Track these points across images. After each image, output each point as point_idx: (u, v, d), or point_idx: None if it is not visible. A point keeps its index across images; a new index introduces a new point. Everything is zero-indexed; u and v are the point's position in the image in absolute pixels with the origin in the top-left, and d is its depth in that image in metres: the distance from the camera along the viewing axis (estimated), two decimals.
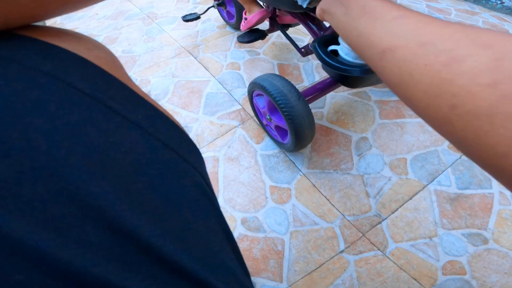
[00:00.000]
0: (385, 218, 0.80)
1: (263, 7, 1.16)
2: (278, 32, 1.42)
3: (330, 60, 0.71)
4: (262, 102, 0.91)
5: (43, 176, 0.15)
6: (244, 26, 1.24)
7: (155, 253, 0.17)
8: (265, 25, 1.24)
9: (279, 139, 0.92)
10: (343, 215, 0.81)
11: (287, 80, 0.80)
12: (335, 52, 0.74)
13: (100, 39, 1.54)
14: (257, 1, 1.13)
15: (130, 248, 0.16)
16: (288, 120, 0.77)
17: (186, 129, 1.00)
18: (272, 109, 0.87)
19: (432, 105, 0.22)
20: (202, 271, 0.19)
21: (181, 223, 0.19)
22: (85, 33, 1.13)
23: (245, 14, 1.24)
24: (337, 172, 0.89)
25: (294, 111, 0.75)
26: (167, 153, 0.21)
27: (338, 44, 0.72)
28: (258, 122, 1.03)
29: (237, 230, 0.80)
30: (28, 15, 0.18)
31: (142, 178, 0.18)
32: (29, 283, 0.13)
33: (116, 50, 1.46)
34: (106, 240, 0.16)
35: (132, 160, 0.18)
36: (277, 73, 1.23)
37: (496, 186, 0.85)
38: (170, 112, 1.06)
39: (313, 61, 1.27)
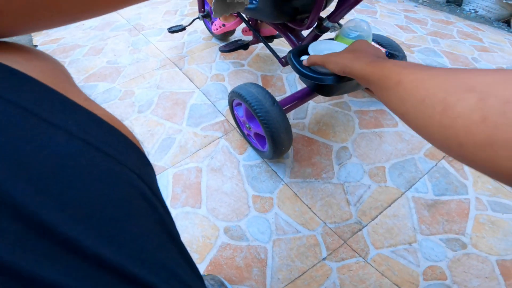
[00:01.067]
0: (366, 225, 0.83)
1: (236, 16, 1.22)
2: (262, 44, 1.46)
3: (304, 70, 0.74)
4: (241, 111, 0.94)
5: None
6: (218, 31, 1.30)
7: (74, 246, 0.17)
8: (249, 36, 1.28)
9: (260, 147, 0.95)
10: (325, 223, 0.84)
11: (262, 87, 0.84)
12: None
13: (85, 50, 1.56)
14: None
15: (47, 241, 0.17)
16: (264, 125, 0.80)
17: (170, 141, 1.04)
18: (250, 117, 0.91)
19: (446, 146, 0.29)
20: (130, 266, 0.19)
21: (108, 221, 0.20)
22: (71, 44, 1.16)
23: (214, 24, 1.29)
24: (319, 181, 0.92)
25: (269, 116, 0.78)
26: (97, 155, 0.21)
27: (308, 54, 0.76)
28: (240, 133, 1.06)
29: (220, 239, 0.81)
30: None
31: (64, 179, 0.19)
32: None
33: (101, 61, 1.48)
34: (23, 234, 0.16)
35: (55, 163, 0.19)
36: (260, 84, 1.27)
37: (472, 192, 0.89)
38: (154, 124, 1.08)
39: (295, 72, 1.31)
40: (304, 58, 0.78)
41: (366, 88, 0.53)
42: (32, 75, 0.21)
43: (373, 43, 0.84)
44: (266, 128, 0.80)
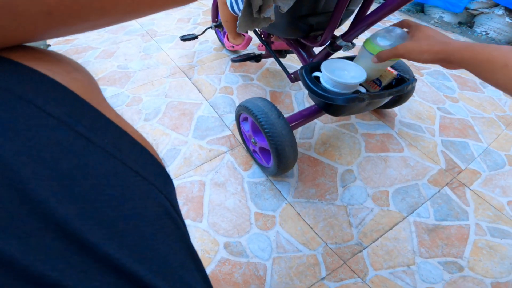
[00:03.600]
0: (366, 247, 0.87)
1: (245, 36, 1.26)
2: (272, 59, 1.51)
3: (315, 87, 0.77)
4: (247, 126, 0.98)
5: (9, 190, 0.17)
6: (231, 49, 1.36)
7: (111, 264, 0.19)
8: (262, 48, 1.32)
9: (264, 163, 0.98)
10: (326, 243, 0.87)
11: (268, 101, 0.87)
12: (319, 79, 0.81)
13: (97, 52, 1.61)
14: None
15: (87, 258, 0.18)
16: (269, 138, 0.82)
17: (174, 152, 1.09)
18: (256, 131, 0.94)
19: None
20: (160, 284, 0.21)
21: (139, 239, 0.22)
22: (84, 45, 1.22)
23: (227, 38, 1.34)
24: (322, 202, 0.96)
25: (274, 129, 0.81)
26: (131, 175, 0.23)
27: (320, 71, 0.78)
28: (246, 149, 1.09)
29: (219, 254, 0.84)
30: (12, 40, 0.21)
31: (102, 198, 0.20)
32: None
33: (112, 64, 1.52)
34: (64, 250, 0.18)
35: (94, 182, 0.20)
36: (269, 99, 1.30)
37: (473, 218, 0.93)
38: (160, 133, 1.13)
39: (304, 90, 1.35)
40: (316, 74, 0.81)
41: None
42: (73, 89, 0.23)
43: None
44: (271, 141, 0.82)
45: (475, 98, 1.38)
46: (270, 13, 0.53)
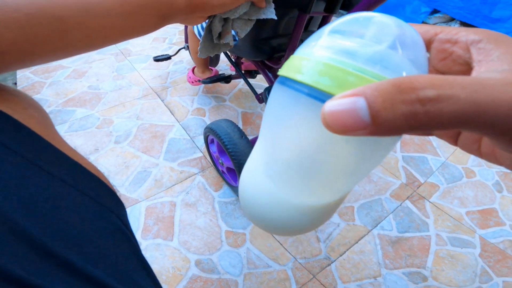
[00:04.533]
0: (334, 261, 0.91)
1: (213, 70, 1.30)
2: None
3: None
4: (214, 147, 1.01)
5: None
6: (195, 84, 1.39)
7: (72, 267, 0.22)
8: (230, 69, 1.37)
9: (232, 182, 1.02)
10: (295, 258, 0.91)
11: (232, 122, 0.92)
12: None
13: (68, 72, 1.57)
14: (208, 66, 1.29)
15: (50, 262, 0.21)
16: (232, 158, 0.86)
17: (145, 174, 1.11)
18: (222, 151, 0.98)
19: None
20: (114, 283, 0.24)
21: (95, 249, 0.25)
22: (54, 64, 1.24)
23: (193, 72, 1.37)
24: None
25: (237, 148, 0.85)
26: (85, 199, 0.27)
27: None
28: (216, 170, 1.12)
29: (191, 271, 0.86)
30: None
31: (61, 217, 0.24)
32: None
33: (83, 85, 1.49)
34: (33, 257, 0.21)
35: (54, 204, 0.24)
36: (240, 121, 1.35)
37: (433, 229, 1.00)
38: (131, 155, 1.14)
39: None
40: None
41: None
42: (30, 127, 0.26)
43: None
44: (234, 160, 0.86)
45: None
46: (228, 39, 0.57)
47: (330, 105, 0.14)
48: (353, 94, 0.13)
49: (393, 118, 0.12)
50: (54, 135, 0.29)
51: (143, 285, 0.28)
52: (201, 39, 0.59)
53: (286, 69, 0.19)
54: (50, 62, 0.29)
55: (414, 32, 0.18)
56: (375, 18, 0.18)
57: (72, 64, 1.64)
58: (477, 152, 0.22)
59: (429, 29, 0.20)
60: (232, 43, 0.58)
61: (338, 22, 0.19)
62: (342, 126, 0.13)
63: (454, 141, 0.23)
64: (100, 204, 0.29)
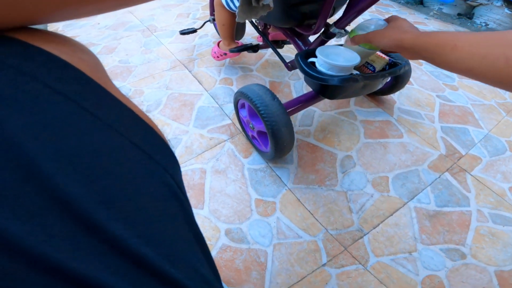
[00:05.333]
0: (367, 233, 0.84)
1: (239, 44, 1.24)
2: (272, 50, 1.49)
3: (311, 70, 0.77)
4: (244, 112, 0.97)
5: (13, 167, 0.16)
6: (220, 58, 1.33)
7: (119, 246, 0.18)
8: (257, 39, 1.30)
9: (263, 148, 0.97)
10: (326, 229, 0.85)
11: (263, 86, 0.88)
12: (314, 65, 0.80)
13: (98, 48, 1.60)
14: (234, 38, 1.23)
15: (94, 239, 0.17)
16: (264, 119, 0.82)
17: (175, 141, 1.07)
18: (253, 115, 0.93)
19: (491, 65, 0.39)
20: (168, 267, 0.20)
21: (146, 220, 0.21)
22: (85, 42, 1.20)
23: (218, 46, 1.31)
24: (322, 188, 0.94)
25: (269, 110, 0.81)
26: (137, 154, 0.22)
27: (316, 57, 0.78)
28: (245, 136, 1.08)
29: (221, 241, 0.83)
30: (23, 19, 0.20)
31: (109, 176, 0.19)
32: None
33: (113, 60, 1.51)
34: (70, 230, 0.17)
35: (101, 158, 0.19)
36: None
37: (474, 204, 0.90)
38: (161, 123, 1.11)
39: (303, 79, 1.34)
40: (311, 60, 0.80)
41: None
42: (80, 68, 0.22)
43: (378, 52, 0.86)
44: (267, 122, 0.82)
45: (474, 86, 1.35)
46: (268, 0, 0.51)
47: (348, 41, 0.76)
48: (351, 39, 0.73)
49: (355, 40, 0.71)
50: (105, 80, 0.25)
51: (198, 267, 0.24)
52: (239, 3, 0.54)
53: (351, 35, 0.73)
54: (98, 13, 0.25)
55: (384, 22, 0.68)
56: (373, 20, 0.70)
57: (102, 41, 1.67)
58: None
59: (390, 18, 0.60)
60: (272, 4, 0.52)
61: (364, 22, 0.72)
62: (349, 43, 0.75)
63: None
64: (154, 160, 0.23)
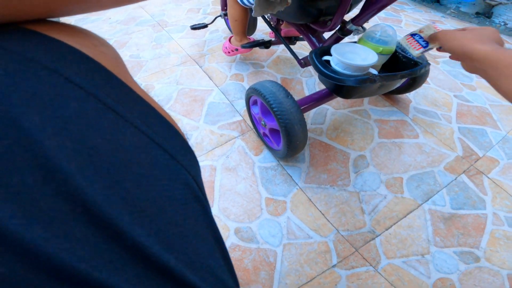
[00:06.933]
0: (379, 235, 0.84)
1: (250, 39, 1.23)
2: (283, 47, 1.48)
3: (326, 70, 0.76)
4: (256, 109, 0.97)
5: (32, 166, 0.15)
6: (230, 54, 1.33)
7: (142, 253, 0.18)
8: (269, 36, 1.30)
9: (275, 145, 0.97)
10: (337, 230, 0.85)
11: (277, 82, 0.87)
12: (329, 63, 0.80)
13: (110, 43, 1.60)
14: (246, 34, 1.23)
15: (116, 246, 0.17)
16: (277, 117, 0.81)
17: (186, 137, 1.06)
18: (265, 112, 0.93)
19: None
20: (189, 275, 0.20)
21: (168, 225, 0.20)
22: None
23: (230, 41, 1.30)
24: (334, 188, 0.94)
25: (283, 107, 0.80)
26: (159, 153, 0.21)
27: (330, 55, 0.78)
28: (257, 134, 1.08)
29: (230, 240, 0.83)
30: (39, 11, 0.20)
31: (131, 177, 0.19)
32: (11, 276, 0.14)
33: (125, 54, 1.53)
34: (92, 236, 0.16)
35: (123, 158, 0.19)
36: None
37: (490, 207, 0.89)
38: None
39: (315, 76, 1.33)
40: (326, 58, 0.80)
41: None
42: (102, 63, 0.21)
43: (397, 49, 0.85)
44: (280, 120, 0.81)
45: None
46: None
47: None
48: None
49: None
50: (126, 75, 0.24)
51: (219, 274, 0.23)
52: (252, 3, 0.54)
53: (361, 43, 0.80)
54: (113, 7, 0.25)
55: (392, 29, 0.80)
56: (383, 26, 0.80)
57: (113, 36, 1.70)
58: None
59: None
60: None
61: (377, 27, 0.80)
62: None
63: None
64: (176, 161, 0.23)
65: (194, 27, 1.44)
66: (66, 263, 0.15)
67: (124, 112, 0.20)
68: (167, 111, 1.14)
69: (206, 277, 0.21)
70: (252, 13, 0.56)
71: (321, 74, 0.78)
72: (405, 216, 0.87)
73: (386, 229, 0.85)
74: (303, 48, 1.51)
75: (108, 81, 0.21)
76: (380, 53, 0.78)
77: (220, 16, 1.45)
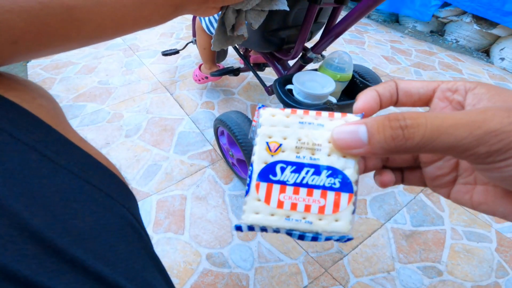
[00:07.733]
0: (346, 254, 0.88)
1: (220, 66, 1.28)
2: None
3: (288, 100, 0.79)
4: (224, 139, 0.99)
5: None
6: (201, 81, 1.36)
7: (79, 265, 0.21)
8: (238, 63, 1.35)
9: (243, 175, 1.00)
10: (307, 252, 0.88)
11: (242, 113, 0.90)
12: (291, 92, 0.83)
13: (78, 68, 1.59)
14: (215, 62, 1.27)
15: (56, 261, 0.20)
16: (243, 148, 0.84)
17: (155, 167, 1.09)
18: (232, 143, 0.96)
19: None
20: (124, 282, 0.23)
21: (104, 245, 0.24)
22: (64, 60, 1.22)
23: (200, 69, 1.34)
24: None
25: (247, 138, 0.83)
26: (94, 193, 0.25)
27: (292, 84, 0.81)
28: (226, 163, 1.10)
29: (202, 265, 0.84)
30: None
31: (69, 211, 0.23)
32: None
33: (93, 80, 1.50)
34: (38, 253, 0.20)
35: (61, 197, 0.23)
36: (249, 114, 1.33)
37: (448, 223, 0.97)
38: (141, 149, 1.13)
39: None
40: (289, 87, 0.83)
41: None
42: (39, 116, 0.25)
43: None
44: (245, 151, 0.83)
45: None
46: (243, 31, 0.55)
47: (339, 129, 0.21)
48: (358, 123, 0.20)
49: (383, 139, 0.18)
50: (64, 125, 0.28)
51: (154, 284, 0.27)
52: (214, 32, 0.58)
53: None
54: (60, 53, 0.29)
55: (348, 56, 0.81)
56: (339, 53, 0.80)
57: (82, 60, 1.66)
58: (469, 202, 0.23)
59: (431, 83, 0.24)
60: (246, 34, 0.56)
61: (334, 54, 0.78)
62: (346, 144, 0.20)
63: (447, 193, 0.25)
64: (111, 197, 0.27)
65: (165, 53, 1.45)
66: (15, 269, 0.18)
67: (61, 161, 0.24)
68: (137, 141, 1.16)
69: (141, 284, 0.25)
70: (211, 47, 0.61)
71: (283, 104, 0.82)
72: (369, 236, 0.93)
73: (353, 249, 0.90)
74: (272, 73, 1.57)
75: (47, 134, 0.25)
76: (338, 80, 0.81)
77: (192, 42, 1.47)
